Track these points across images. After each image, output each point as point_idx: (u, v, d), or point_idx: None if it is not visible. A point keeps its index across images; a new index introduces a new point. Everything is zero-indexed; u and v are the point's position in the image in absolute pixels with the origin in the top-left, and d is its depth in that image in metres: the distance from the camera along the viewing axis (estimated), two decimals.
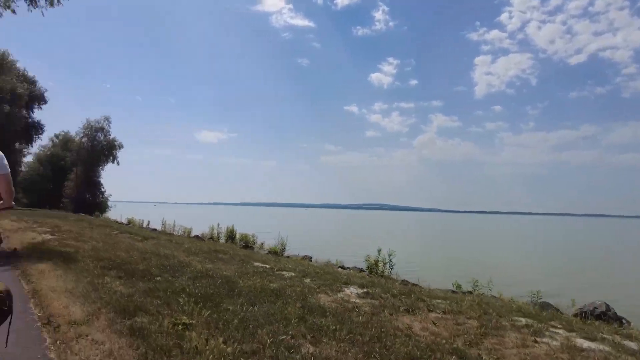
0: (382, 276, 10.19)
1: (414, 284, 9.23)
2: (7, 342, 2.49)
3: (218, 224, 17.95)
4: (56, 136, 63.90)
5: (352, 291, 7.08)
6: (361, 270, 10.98)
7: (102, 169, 48.55)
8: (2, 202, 2.87)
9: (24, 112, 40.12)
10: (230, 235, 17.24)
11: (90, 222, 22.11)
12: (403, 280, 9.55)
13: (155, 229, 20.11)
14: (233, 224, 17.73)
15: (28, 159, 59.53)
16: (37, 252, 8.66)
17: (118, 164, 48.47)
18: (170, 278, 6.70)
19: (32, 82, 43.27)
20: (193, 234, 19.27)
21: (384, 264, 11.50)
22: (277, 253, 13.50)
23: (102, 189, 48.86)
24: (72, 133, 59.94)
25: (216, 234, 17.57)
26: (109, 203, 50.62)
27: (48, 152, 63.23)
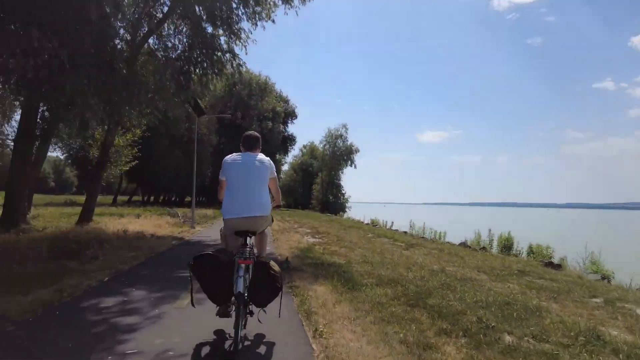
0: None
1: None
2: (279, 313, 3.29)
3: (490, 230, 14.14)
4: (304, 146, 73.77)
5: None
6: None
7: (342, 173, 52.07)
8: (274, 201, 3.58)
9: (281, 127, 46.57)
10: (506, 245, 13.17)
11: (340, 222, 22.05)
12: None
13: (405, 232, 17.96)
14: (509, 231, 13.60)
15: (285, 167, 70.64)
16: (309, 265, 7.06)
17: (355, 167, 51.02)
18: (535, 343, 3.48)
19: (286, 101, 50.13)
20: (446, 238, 16.15)
21: None
22: (608, 279, 8.74)
23: (343, 191, 52.40)
24: (316, 142, 67.67)
25: (488, 242, 13.81)
26: (348, 204, 53.81)
27: (299, 161, 73.56)
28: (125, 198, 49.84)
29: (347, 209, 52.26)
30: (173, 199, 51.91)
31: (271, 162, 3.40)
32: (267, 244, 3.90)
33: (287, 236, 12.36)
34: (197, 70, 13.74)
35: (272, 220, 3.54)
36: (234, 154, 3.36)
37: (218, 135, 40.62)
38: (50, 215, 14.81)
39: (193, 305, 3.19)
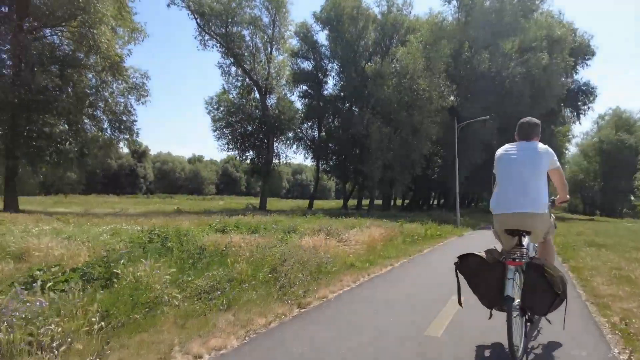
0: None
1: None
2: (564, 325, 2.96)
3: None
4: (601, 117, 46.99)
5: None
6: None
7: None
8: (558, 197, 3.29)
9: (567, 66, 25.90)
10: None
11: None
12: None
13: None
14: None
15: (571, 150, 46.19)
16: None
17: None
18: None
19: (571, 29, 28.86)
20: None
21: None
22: None
23: None
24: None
25: None
26: None
27: (592, 140, 47.39)
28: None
29: None
30: (404, 201, 39.25)
31: (550, 150, 2.98)
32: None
33: None
34: None
35: (555, 227, 3.19)
36: (507, 144, 3.09)
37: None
38: None
39: (460, 304, 3.14)
